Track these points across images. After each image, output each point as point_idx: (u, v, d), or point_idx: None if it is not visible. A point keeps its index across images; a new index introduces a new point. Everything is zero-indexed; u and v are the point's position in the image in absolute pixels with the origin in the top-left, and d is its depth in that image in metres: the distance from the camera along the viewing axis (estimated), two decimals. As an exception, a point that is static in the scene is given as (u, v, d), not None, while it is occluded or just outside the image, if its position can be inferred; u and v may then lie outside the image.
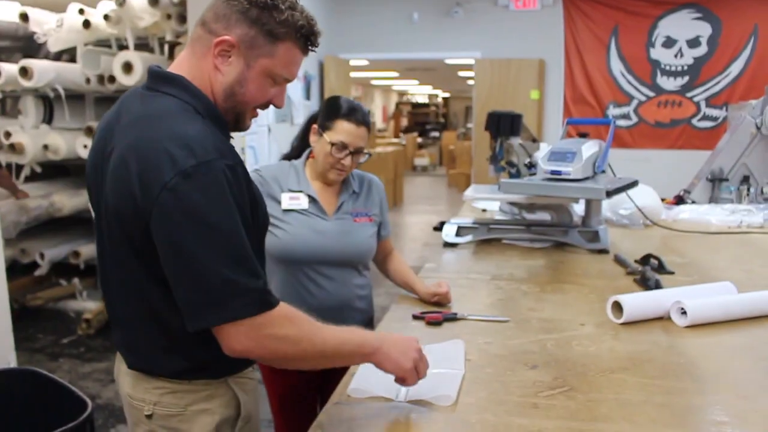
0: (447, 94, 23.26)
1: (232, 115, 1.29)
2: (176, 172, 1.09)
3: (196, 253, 1.10)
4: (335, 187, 2.06)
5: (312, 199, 2.00)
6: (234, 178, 1.15)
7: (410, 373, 1.28)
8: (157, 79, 1.26)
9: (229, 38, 1.21)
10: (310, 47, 1.30)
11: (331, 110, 1.97)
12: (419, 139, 19.52)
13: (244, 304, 1.12)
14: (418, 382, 1.31)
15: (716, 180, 4.21)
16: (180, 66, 1.27)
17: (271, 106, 1.37)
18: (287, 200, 1.98)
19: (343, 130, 1.93)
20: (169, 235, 1.12)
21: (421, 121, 22.39)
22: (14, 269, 4.80)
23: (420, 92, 22.67)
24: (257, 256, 1.21)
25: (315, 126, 2.00)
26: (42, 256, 4.71)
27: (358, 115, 1.95)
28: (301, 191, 2.00)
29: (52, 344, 4.42)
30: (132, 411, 1.35)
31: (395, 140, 16.82)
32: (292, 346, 1.18)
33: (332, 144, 1.93)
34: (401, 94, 23.18)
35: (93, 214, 1.34)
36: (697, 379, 1.46)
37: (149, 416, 1.30)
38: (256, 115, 1.34)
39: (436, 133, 20.80)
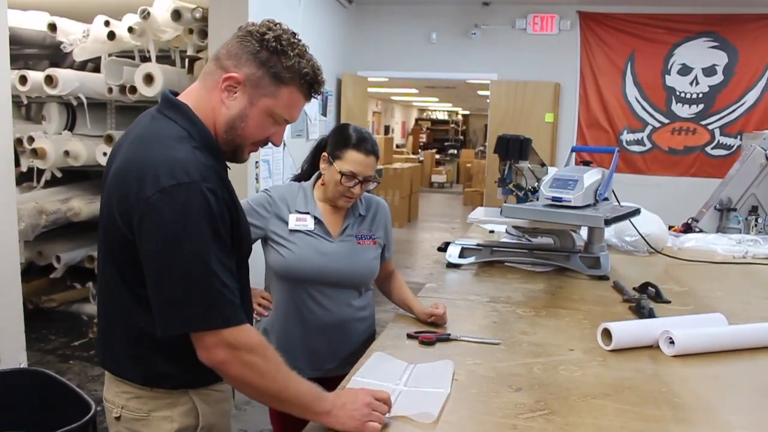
0: (467, 112, 23.31)
1: (231, 147, 1.38)
2: (157, 190, 1.20)
3: (168, 266, 1.21)
4: (342, 209, 2.12)
5: (318, 221, 2.07)
6: (213, 200, 1.24)
7: (365, 427, 1.30)
8: (166, 104, 1.37)
9: (237, 75, 1.31)
10: (313, 94, 1.40)
11: (340, 140, 2.04)
12: (437, 156, 19.59)
13: (214, 315, 1.22)
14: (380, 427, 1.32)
15: (724, 209, 4.23)
16: (189, 95, 1.38)
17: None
18: (294, 221, 2.06)
19: (352, 160, 2.00)
20: (147, 245, 1.23)
21: (440, 137, 22.47)
22: (31, 271, 4.92)
23: (440, 109, 22.77)
24: (235, 274, 1.30)
25: (325, 154, 2.07)
26: (58, 259, 4.81)
27: (367, 145, 2.02)
28: (307, 213, 2.07)
29: (63, 346, 4.52)
30: (106, 413, 1.47)
31: (413, 156, 16.90)
32: (257, 376, 1.26)
33: (342, 174, 2.00)
34: (421, 110, 23.29)
35: None
36: (675, 408, 1.50)
37: (117, 418, 1.41)
38: (255, 150, 1.44)
39: (454, 151, 20.85)
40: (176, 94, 1.39)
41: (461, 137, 23.44)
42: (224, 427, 1.53)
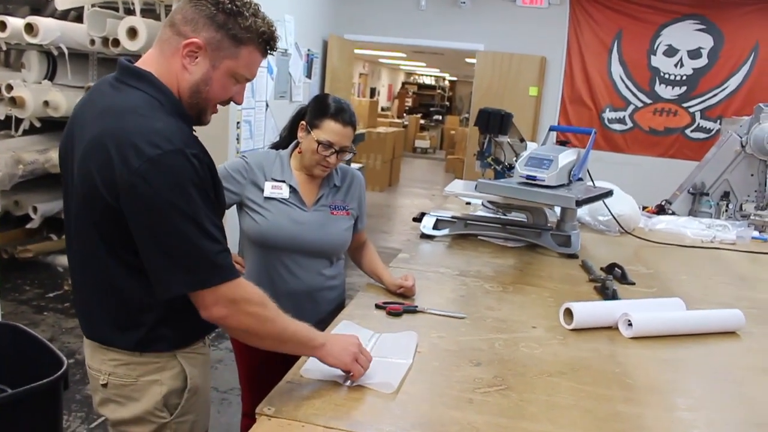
0: (454, 78, 23.18)
1: (195, 110, 1.41)
2: (143, 160, 1.22)
3: (163, 231, 1.25)
4: (317, 179, 2.15)
5: (293, 190, 2.10)
6: (198, 165, 1.28)
7: (352, 365, 1.42)
8: (127, 73, 1.37)
9: (197, 40, 1.33)
10: (269, 50, 1.44)
11: (319, 109, 2.07)
12: (422, 121, 19.55)
13: (213, 273, 1.28)
14: (363, 373, 1.44)
15: (698, 193, 4.32)
16: (148, 63, 1.38)
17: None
18: (269, 188, 2.08)
19: (330, 129, 2.03)
20: (139, 214, 1.25)
21: (426, 102, 22.38)
22: (6, 220, 4.90)
23: (427, 73, 22.62)
24: (224, 232, 1.36)
25: (303, 123, 2.09)
26: (35, 209, 4.80)
27: (345, 115, 2.05)
28: (283, 181, 2.10)
29: (38, 297, 4.53)
30: (91, 380, 1.49)
31: (398, 120, 16.85)
32: (259, 324, 1.35)
33: (319, 142, 2.03)
34: (408, 74, 23.11)
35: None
36: (626, 388, 1.57)
37: (104, 385, 1.44)
38: (216, 110, 1.47)
39: (439, 117, 20.80)
40: (131, 62, 1.40)
41: (447, 103, 23.36)
42: (207, 389, 1.59)
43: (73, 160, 1.36)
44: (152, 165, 1.22)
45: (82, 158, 1.32)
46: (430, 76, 22.98)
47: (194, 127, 1.44)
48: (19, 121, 4.65)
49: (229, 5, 1.33)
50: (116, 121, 1.28)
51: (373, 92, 18.98)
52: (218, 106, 1.46)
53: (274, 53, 1.49)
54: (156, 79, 1.35)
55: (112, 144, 1.25)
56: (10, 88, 4.49)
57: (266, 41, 1.40)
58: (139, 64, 1.39)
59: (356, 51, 7.97)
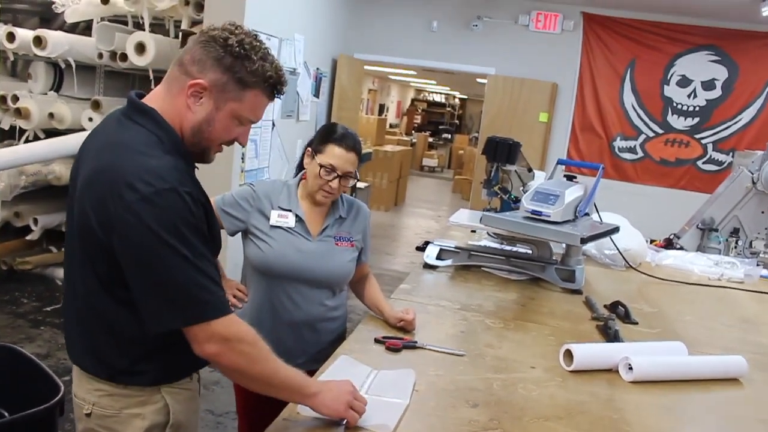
0: (464, 96, 23.18)
1: (198, 149, 1.41)
2: (136, 198, 1.22)
3: (156, 268, 1.24)
4: (323, 209, 2.15)
5: (299, 219, 2.10)
6: (191, 202, 1.28)
7: (346, 413, 1.39)
8: (133, 108, 1.38)
9: (203, 81, 1.33)
10: (276, 95, 1.43)
11: (324, 135, 2.08)
12: (430, 139, 19.53)
13: (205, 308, 1.27)
14: (359, 419, 1.41)
15: (707, 229, 4.25)
16: (155, 99, 1.39)
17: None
18: (275, 217, 2.09)
19: (333, 154, 2.03)
20: (132, 251, 1.25)
21: (435, 120, 22.38)
22: (6, 231, 4.89)
23: (437, 91, 22.63)
24: (217, 268, 1.36)
25: (309, 149, 2.10)
26: (35, 221, 4.79)
27: (349, 141, 2.06)
28: (290, 210, 2.10)
29: (35, 310, 4.50)
30: (75, 408, 1.48)
31: (406, 138, 16.85)
32: (249, 363, 1.33)
33: (321, 166, 2.02)
34: (418, 90, 23.14)
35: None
36: (624, 438, 1.52)
37: (88, 415, 1.43)
38: (220, 150, 1.47)
39: (448, 135, 20.78)
40: (141, 96, 1.41)
41: (456, 122, 23.34)
42: (193, 425, 1.57)
43: (75, 190, 1.37)
44: (145, 203, 1.22)
45: (80, 192, 1.33)
46: (440, 93, 22.99)
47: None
48: (23, 131, 4.63)
49: (238, 48, 1.33)
50: (113, 157, 1.29)
51: (381, 108, 19.01)
52: (222, 146, 1.46)
53: (281, 97, 1.48)
54: (159, 115, 1.35)
55: (106, 181, 1.26)
56: (15, 98, 4.49)
57: (273, 85, 1.39)
58: (147, 98, 1.40)
59: (366, 67, 7.97)
